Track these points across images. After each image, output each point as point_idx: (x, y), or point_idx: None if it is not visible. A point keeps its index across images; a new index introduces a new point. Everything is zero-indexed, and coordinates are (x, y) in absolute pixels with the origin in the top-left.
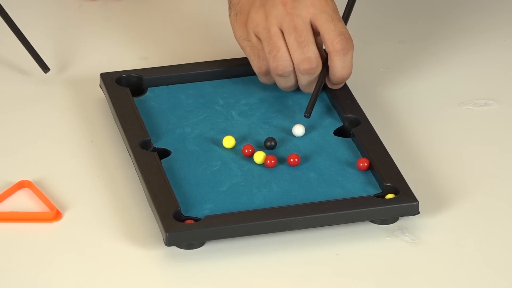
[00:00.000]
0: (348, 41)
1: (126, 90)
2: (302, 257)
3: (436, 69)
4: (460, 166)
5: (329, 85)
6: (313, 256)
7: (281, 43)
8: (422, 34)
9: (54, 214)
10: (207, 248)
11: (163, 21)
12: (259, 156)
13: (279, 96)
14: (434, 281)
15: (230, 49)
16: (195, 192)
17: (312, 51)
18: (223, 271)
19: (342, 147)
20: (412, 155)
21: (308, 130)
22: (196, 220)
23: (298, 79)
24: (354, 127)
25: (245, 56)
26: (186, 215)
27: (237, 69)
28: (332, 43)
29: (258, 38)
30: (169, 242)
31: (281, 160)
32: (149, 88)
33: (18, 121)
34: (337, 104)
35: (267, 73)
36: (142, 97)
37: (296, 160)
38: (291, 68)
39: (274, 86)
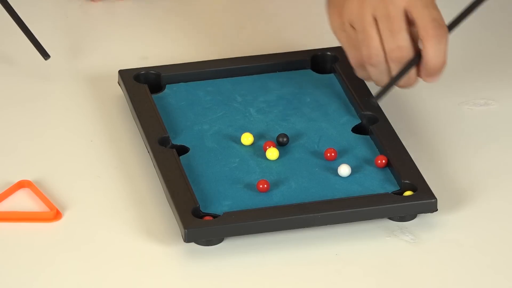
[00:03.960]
0: (441, 28)
1: (144, 87)
2: (302, 257)
3: None
4: (460, 166)
5: (423, 78)
6: (312, 255)
7: (373, 32)
8: None
9: (54, 214)
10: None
11: (163, 20)
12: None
13: (297, 93)
14: (434, 281)
15: (233, 49)
16: (213, 189)
17: (404, 39)
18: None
19: (360, 145)
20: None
21: (325, 127)
22: (214, 216)
23: (389, 68)
24: (372, 125)
25: (262, 54)
26: (205, 212)
27: (255, 67)
28: (425, 28)
29: (353, 27)
30: (187, 239)
31: (296, 157)
32: (167, 85)
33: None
34: (355, 102)
35: (363, 64)
36: (160, 94)
37: (333, 154)
38: (382, 58)
39: (291, 83)
